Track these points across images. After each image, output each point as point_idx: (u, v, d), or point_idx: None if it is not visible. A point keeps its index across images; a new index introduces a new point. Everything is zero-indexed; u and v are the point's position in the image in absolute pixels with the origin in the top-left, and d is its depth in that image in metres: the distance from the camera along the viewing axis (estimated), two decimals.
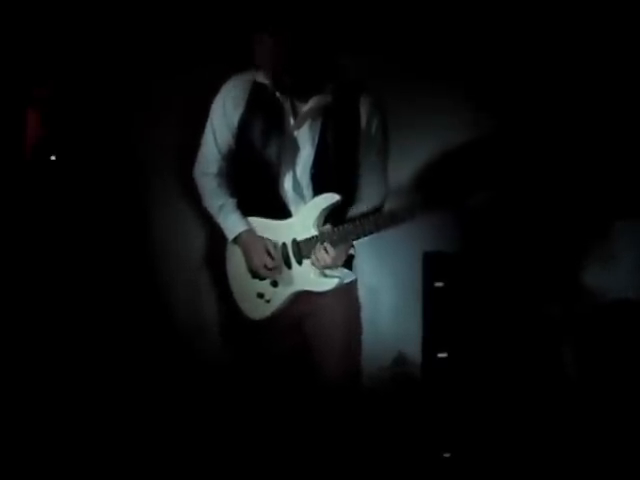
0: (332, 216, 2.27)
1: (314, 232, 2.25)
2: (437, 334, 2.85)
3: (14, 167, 2.78)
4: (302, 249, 2.27)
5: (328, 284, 2.27)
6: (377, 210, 2.33)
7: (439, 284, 2.83)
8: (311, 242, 2.25)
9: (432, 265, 2.90)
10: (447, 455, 2.72)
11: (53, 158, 2.86)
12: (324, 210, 2.25)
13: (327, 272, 2.29)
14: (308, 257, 2.27)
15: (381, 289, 3.02)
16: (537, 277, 2.81)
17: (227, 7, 2.74)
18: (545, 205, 2.90)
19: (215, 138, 2.35)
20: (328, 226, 2.25)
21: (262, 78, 2.25)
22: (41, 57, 2.81)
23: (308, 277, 2.28)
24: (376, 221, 2.18)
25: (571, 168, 2.85)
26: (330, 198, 2.24)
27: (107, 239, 2.97)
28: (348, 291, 2.40)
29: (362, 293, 2.70)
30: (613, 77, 2.83)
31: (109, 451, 2.70)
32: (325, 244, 2.20)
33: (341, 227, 2.23)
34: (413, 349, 2.98)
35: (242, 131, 2.30)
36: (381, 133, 2.31)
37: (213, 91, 2.39)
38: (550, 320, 2.81)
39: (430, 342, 2.88)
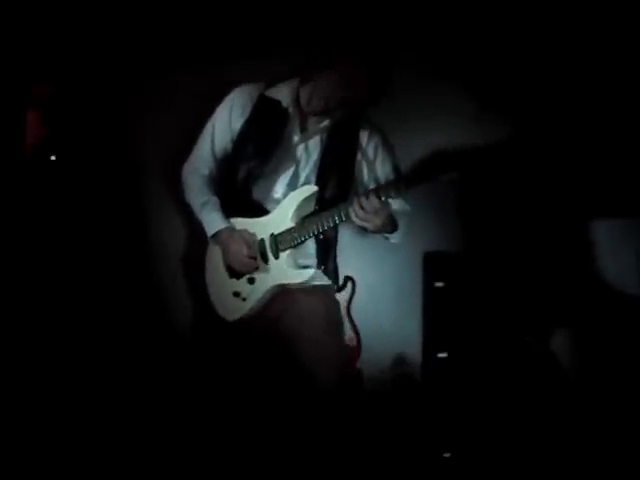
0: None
1: (291, 224, 2.26)
2: (437, 334, 2.85)
3: (14, 167, 2.78)
4: (279, 242, 2.27)
5: (302, 275, 2.26)
6: None
7: (439, 284, 2.83)
8: (288, 233, 2.25)
9: (432, 265, 2.90)
10: (447, 455, 2.72)
11: (53, 158, 2.86)
12: (303, 202, 2.25)
13: (301, 263, 2.29)
14: (285, 250, 2.27)
15: (381, 289, 3.02)
16: (537, 277, 2.81)
17: (229, 8, 2.75)
18: (545, 205, 2.91)
19: (213, 141, 2.37)
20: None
21: (273, 93, 2.31)
22: (42, 57, 2.82)
23: (283, 270, 2.27)
24: (350, 204, 2.14)
25: (570, 167, 2.86)
26: (306, 190, 2.26)
27: (106, 239, 2.97)
28: (325, 293, 2.39)
29: (362, 293, 2.71)
30: (610, 76, 2.83)
31: (97, 448, 2.68)
32: (362, 198, 2.13)
33: (317, 216, 2.22)
34: (413, 349, 2.98)
35: (242, 138, 2.33)
36: (380, 161, 2.36)
37: (214, 92, 2.39)
38: (549, 320, 2.81)
39: (430, 342, 2.88)
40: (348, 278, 2.70)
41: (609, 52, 2.79)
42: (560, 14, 2.76)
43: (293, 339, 2.34)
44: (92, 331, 2.87)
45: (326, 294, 2.40)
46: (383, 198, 2.11)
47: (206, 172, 2.40)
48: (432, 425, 2.79)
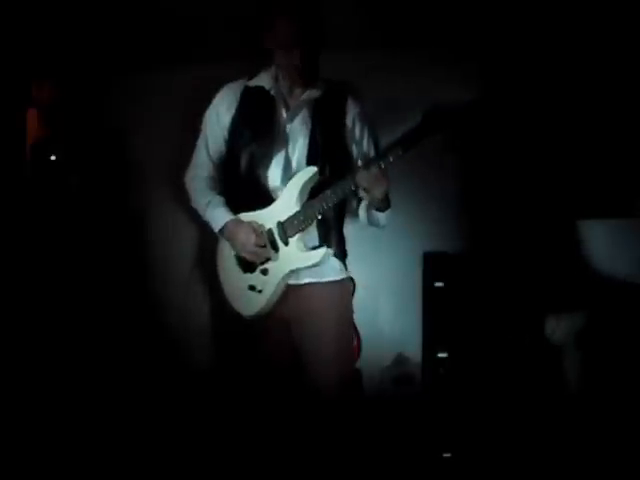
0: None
1: (296, 208, 2.26)
2: (437, 334, 2.85)
3: (14, 167, 2.78)
4: (287, 228, 2.28)
5: (314, 257, 2.25)
6: None
7: (439, 284, 2.83)
8: (295, 218, 2.26)
9: (432, 265, 2.90)
10: (447, 455, 2.71)
11: (53, 158, 2.87)
12: (305, 185, 2.26)
13: (311, 245, 2.29)
14: (293, 235, 2.27)
15: (381, 289, 3.02)
16: (537, 277, 2.80)
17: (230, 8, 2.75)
18: (546, 204, 2.90)
19: (207, 145, 2.40)
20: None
21: (255, 82, 2.34)
22: (42, 57, 2.82)
23: (295, 255, 2.27)
24: (352, 178, 2.18)
25: (571, 166, 2.86)
26: (307, 172, 2.26)
27: (105, 239, 2.98)
28: (337, 292, 2.38)
29: (362, 293, 2.71)
30: (614, 77, 2.83)
31: (98, 453, 2.71)
32: (363, 171, 2.16)
33: (321, 195, 2.24)
34: (413, 349, 2.98)
35: (234, 130, 2.35)
36: (367, 136, 2.37)
37: (215, 90, 2.40)
38: (550, 320, 2.81)
39: (430, 342, 2.88)
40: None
41: (610, 47, 2.79)
42: (560, 12, 2.76)
43: (301, 350, 2.35)
44: (91, 332, 2.88)
45: (339, 300, 2.38)
46: (383, 166, 2.14)
47: (205, 174, 2.42)
48: (432, 425, 2.78)
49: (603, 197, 2.82)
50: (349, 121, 2.35)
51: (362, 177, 2.15)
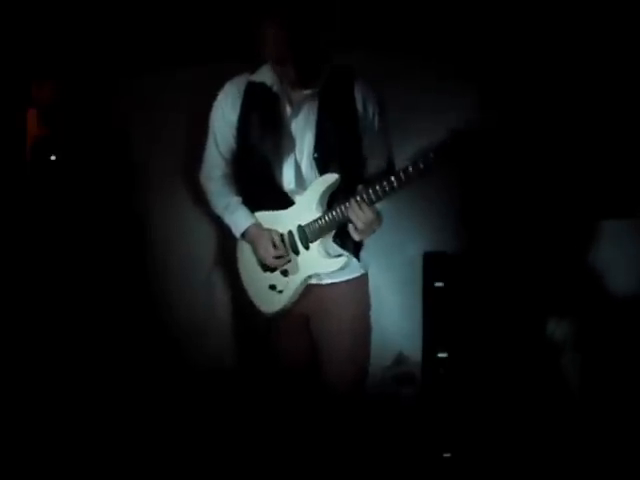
0: (342, 194, 2.24)
1: (318, 214, 2.25)
2: (437, 334, 2.85)
3: (14, 167, 2.78)
4: (308, 233, 2.27)
5: (335, 264, 2.25)
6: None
7: (439, 284, 2.83)
8: (316, 224, 2.25)
9: (432, 265, 2.90)
10: (447, 455, 2.72)
11: (53, 158, 2.87)
12: (326, 191, 2.25)
13: (333, 252, 2.28)
14: (314, 240, 2.26)
15: (381, 289, 3.01)
16: (537, 277, 2.81)
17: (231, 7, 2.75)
18: (545, 204, 2.91)
19: (216, 142, 2.38)
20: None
21: (257, 77, 2.31)
22: (42, 57, 2.82)
23: (316, 260, 2.27)
24: (376, 188, 2.13)
25: (571, 166, 2.86)
26: (329, 178, 2.24)
27: (109, 240, 2.98)
28: (356, 288, 2.39)
29: None
30: (611, 78, 2.83)
31: (116, 454, 2.72)
32: (353, 201, 2.15)
33: (342, 205, 2.20)
34: (413, 349, 2.98)
35: (242, 129, 2.32)
36: (378, 116, 2.31)
37: (216, 90, 2.39)
38: (549, 319, 2.81)
39: (430, 342, 2.88)
40: None
41: (611, 50, 2.79)
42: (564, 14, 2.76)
43: (318, 347, 2.38)
44: (93, 334, 2.88)
45: (357, 294, 2.39)
46: (375, 199, 2.12)
47: (220, 173, 2.40)
48: (432, 425, 2.79)
49: (605, 198, 2.82)
50: (360, 105, 2.27)
51: (355, 217, 2.13)
